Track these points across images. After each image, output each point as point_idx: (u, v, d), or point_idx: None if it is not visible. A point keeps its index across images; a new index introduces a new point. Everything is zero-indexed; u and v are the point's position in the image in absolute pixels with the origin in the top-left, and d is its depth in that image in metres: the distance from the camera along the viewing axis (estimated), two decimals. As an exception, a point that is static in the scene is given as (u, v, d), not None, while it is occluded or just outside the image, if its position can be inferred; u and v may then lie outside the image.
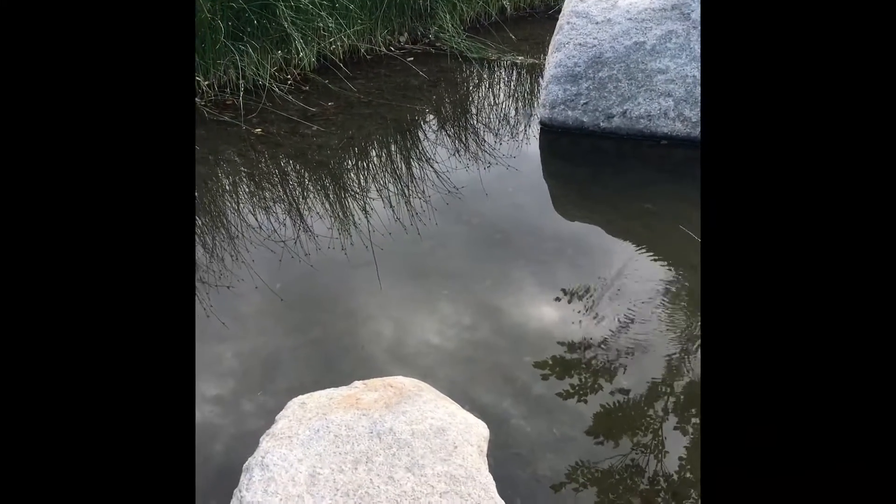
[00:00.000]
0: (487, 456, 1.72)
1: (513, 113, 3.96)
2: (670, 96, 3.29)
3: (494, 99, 4.18)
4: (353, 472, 1.47)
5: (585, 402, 2.01)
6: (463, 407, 1.85)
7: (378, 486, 1.44)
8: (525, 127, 3.75)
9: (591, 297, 2.43)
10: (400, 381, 1.79)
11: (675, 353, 2.18)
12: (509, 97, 4.20)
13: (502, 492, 1.55)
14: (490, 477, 1.53)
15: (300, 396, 1.75)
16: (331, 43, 4.27)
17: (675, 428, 1.93)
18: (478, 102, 4.17)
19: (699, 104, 3.27)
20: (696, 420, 1.96)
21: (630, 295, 2.43)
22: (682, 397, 2.02)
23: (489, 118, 3.90)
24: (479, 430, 1.65)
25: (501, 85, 4.37)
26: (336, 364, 2.13)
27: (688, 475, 1.80)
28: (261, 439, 1.61)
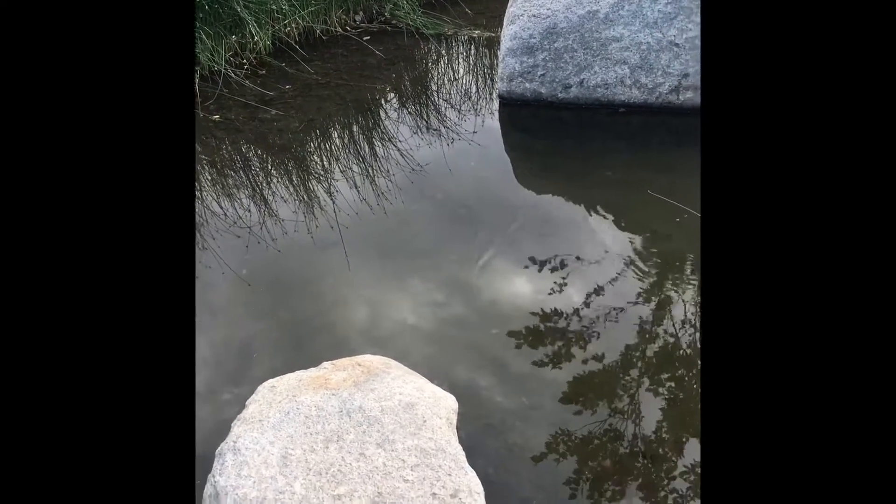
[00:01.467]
0: (458, 428, 1.75)
1: (473, 88, 3.96)
2: (626, 64, 3.31)
3: (454, 74, 4.18)
4: (325, 452, 1.49)
5: (559, 369, 2.05)
6: (433, 381, 1.88)
7: (350, 464, 1.46)
8: (486, 101, 3.76)
9: (558, 266, 2.46)
10: (368, 359, 1.81)
11: (646, 319, 2.22)
12: (468, 72, 4.20)
13: (474, 462, 1.59)
14: (460, 448, 1.56)
15: (270, 380, 1.76)
16: (285, 25, 4.23)
17: (648, 391, 1.97)
18: (437, 79, 4.16)
19: (654, 71, 3.30)
20: (670, 384, 2.00)
21: (597, 262, 2.47)
22: (654, 361, 2.07)
23: (450, 94, 3.90)
24: (447, 403, 1.68)
25: (460, 60, 4.37)
26: (306, 346, 2.15)
27: (665, 436, 1.84)
28: (232, 424, 1.62)
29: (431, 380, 1.89)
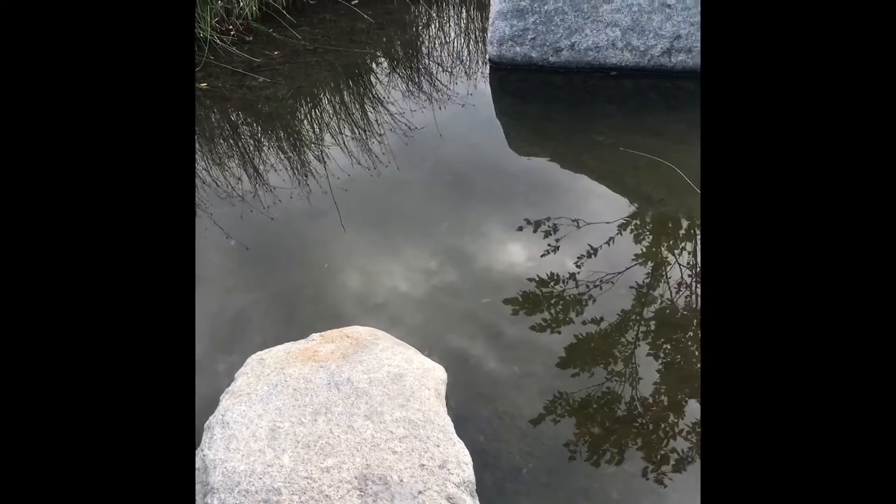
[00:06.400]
0: (449, 397, 1.76)
1: (464, 52, 3.91)
2: (617, 26, 3.26)
3: (444, 38, 4.12)
4: (313, 424, 1.49)
5: (553, 335, 2.04)
6: (425, 351, 1.88)
7: (338, 436, 1.47)
8: (477, 65, 3.72)
9: (551, 231, 2.45)
10: (357, 330, 1.81)
11: (641, 282, 2.21)
12: (459, 35, 4.15)
13: (465, 431, 1.59)
14: (448, 419, 1.56)
15: (259, 353, 1.76)
16: (273, -11, 4.16)
17: (647, 355, 1.97)
18: (428, 43, 4.11)
19: (646, 33, 3.25)
20: (667, 346, 1.99)
21: (590, 226, 2.46)
22: (651, 325, 2.06)
23: (441, 58, 3.85)
24: (436, 374, 1.68)
25: (451, 23, 4.31)
26: (298, 316, 2.14)
27: (663, 398, 1.84)
28: (221, 397, 1.62)
29: (423, 349, 1.89)
